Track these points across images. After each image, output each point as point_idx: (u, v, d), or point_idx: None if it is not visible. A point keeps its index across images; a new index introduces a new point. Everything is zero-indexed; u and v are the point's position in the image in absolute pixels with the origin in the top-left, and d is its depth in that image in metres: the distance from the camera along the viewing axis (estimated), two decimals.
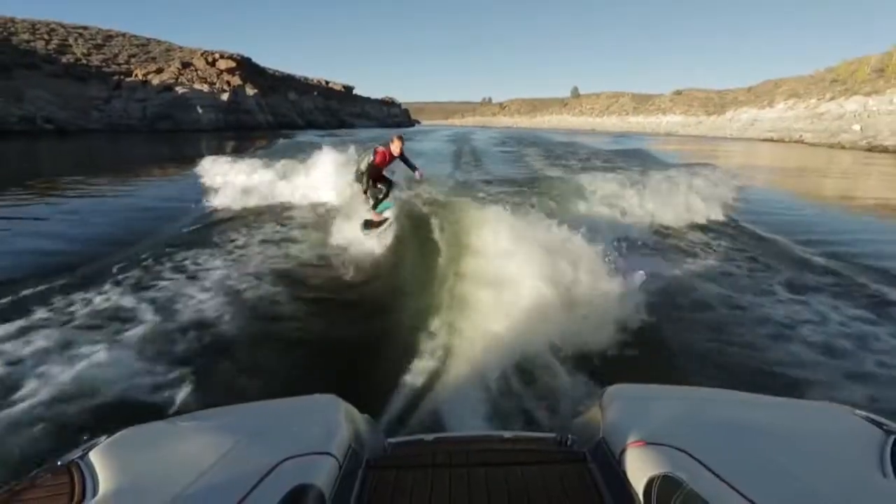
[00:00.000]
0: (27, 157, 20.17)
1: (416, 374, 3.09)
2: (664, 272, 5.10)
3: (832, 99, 52.59)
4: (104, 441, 1.10)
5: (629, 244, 5.31)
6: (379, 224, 5.74)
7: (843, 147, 33.05)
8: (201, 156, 10.83)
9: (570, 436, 1.31)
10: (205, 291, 4.36)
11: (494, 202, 5.45)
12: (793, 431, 1.08)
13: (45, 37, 50.16)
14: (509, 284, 3.61)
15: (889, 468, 0.89)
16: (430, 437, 1.46)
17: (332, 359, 3.37)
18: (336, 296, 4.47)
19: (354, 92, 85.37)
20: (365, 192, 5.99)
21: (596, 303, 3.54)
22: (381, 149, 5.72)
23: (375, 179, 5.91)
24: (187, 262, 5.18)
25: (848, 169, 19.81)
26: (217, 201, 8.33)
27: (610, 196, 7.70)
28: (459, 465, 1.18)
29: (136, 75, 44.78)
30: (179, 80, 45.93)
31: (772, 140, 45.73)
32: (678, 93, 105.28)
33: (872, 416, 1.14)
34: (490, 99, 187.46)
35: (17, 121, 33.41)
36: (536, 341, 3.24)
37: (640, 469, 0.92)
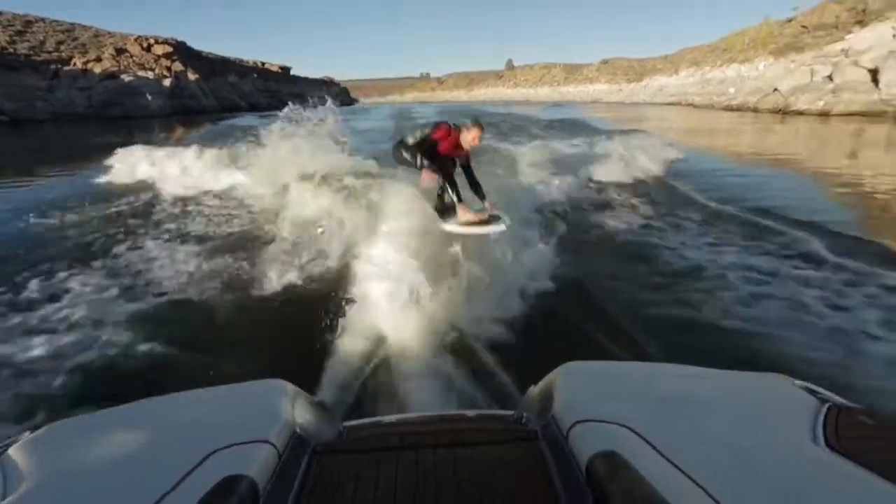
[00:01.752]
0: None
1: (367, 353, 3.07)
2: (599, 238, 5.27)
3: (719, 66, 61.91)
4: (24, 438, 1.07)
5: (561, 210, 5.85)
6: (479, 223, 3.87)
7: (713, 108, 40.92)
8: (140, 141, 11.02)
9: (525, 414, 1.32)
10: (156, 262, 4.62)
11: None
12: (734, 403, 1.12)
13: None
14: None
15: (820, 436, 0.93)
16: (391, 418, 1.47)
17: (282, 341, 3.30)
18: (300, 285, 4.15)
19: (292, 73, 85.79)
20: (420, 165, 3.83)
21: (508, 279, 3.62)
22: (445, 126, 3.82)
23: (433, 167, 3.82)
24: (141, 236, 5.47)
25: (713, 126, 25.81)
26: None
27: (541, 164, 7.96)
28: (409, 448, 1.17)
29: (75, 64, 44.83)
30: (121, 67, 46.44)
31: (672, 104, 53.23)
32: (604, 62, 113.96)
33: (810, 385, 1.18)
34: (428, 74, 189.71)
35: None
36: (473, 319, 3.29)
37: (584, 447, 0.92)
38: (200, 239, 5.50)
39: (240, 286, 4.16)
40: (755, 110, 32.69)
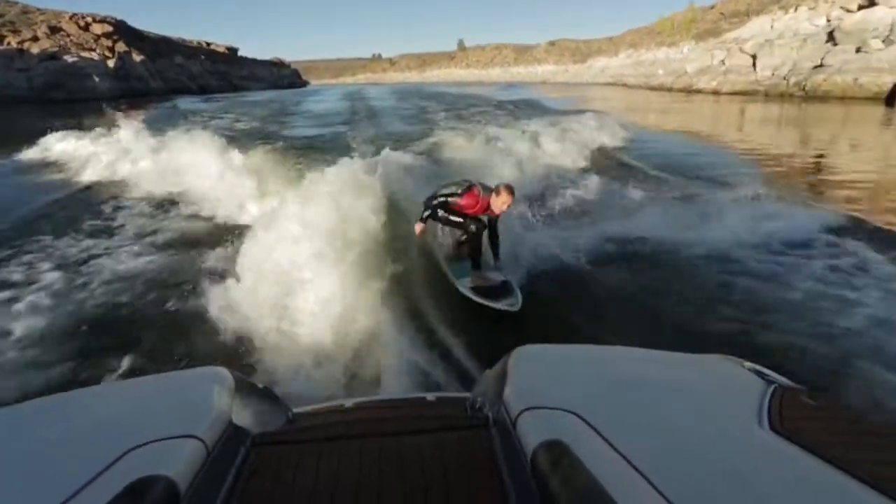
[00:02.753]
0: None
1: (326, 337, 3.04)
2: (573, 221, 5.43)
3: (652, 49, 66.79)
4: None
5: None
6: (493, 291, 3.84)
7: (641, 87, 45.47)
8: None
9: (479, 399, 1.28)
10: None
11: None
12: (682, 386, 1.12)
13: None
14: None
15: (764, 418, 0.93)
16: (348, 402, 1.41)
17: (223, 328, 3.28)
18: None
19: (239, 54, 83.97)
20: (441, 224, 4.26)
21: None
22: (476, 191, 3.95)
23: (454, 222, 4.14)
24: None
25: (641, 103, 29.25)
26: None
27: (502, 147, 8.52)
28: (355, 436, 1.12)
29: (9, 43, 43.12)
30: (60, 47, 45.07)
31: (611, 84, 57.30)
32: (552, 44, 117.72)
33: (758, 367, 1.21)
34: (380, 55, 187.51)
35: None
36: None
37: (530, 434, 0.89)
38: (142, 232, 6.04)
39: (186, 277, 4.38)
40: (670, 90, 37.30)
